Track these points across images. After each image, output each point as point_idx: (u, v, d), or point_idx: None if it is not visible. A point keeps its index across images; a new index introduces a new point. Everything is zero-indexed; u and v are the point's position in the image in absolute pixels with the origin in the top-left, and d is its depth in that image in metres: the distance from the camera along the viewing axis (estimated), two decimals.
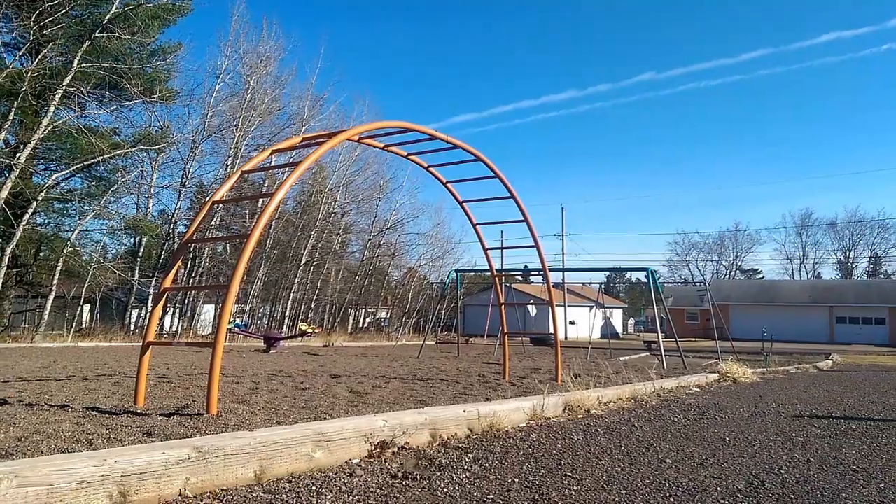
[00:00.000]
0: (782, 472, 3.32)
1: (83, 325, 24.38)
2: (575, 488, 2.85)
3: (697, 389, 7.86)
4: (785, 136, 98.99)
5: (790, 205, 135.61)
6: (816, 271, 69.76)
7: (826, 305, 44.80)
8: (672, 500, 2.71)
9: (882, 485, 3.09)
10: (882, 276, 64.13)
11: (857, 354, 23.35)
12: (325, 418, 4.04)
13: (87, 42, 18.47)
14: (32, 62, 18.06)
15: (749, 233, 73.63)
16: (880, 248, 67.73)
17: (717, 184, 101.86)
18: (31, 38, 17.79)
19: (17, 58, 18.42)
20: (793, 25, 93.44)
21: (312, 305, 33.64)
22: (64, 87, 17.93)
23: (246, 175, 6.79)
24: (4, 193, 17.08)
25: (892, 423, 5.39)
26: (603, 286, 41.07)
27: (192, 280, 25.10)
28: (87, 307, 25.92)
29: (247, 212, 26.89)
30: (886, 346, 36.38)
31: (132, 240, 25.56)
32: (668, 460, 3.51)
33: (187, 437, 3.12)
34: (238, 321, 25.11)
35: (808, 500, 2.75)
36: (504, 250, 16.27)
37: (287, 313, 30.67)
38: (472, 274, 29.10)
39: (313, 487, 2.66)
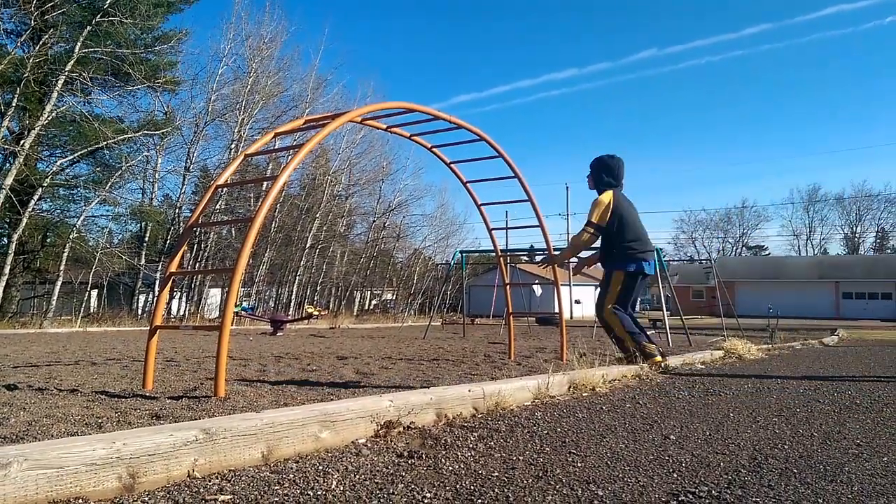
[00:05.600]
0: (786, 447, 3.33)
1: (91, 311, 24.57)
2: (579, 465, 2.87)
3: (702, 366, 7.88)
4: (790, 110, 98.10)
5: (798, 180, 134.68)
6: (823, 247, 69.64)
7: (832, 281, 44.74)
8: (675, 475, 2.73)
9: (885, 459, 3.10)
10: (889, 251, 63.89)
11: (863, 330, 23.31)
12: (331, 399, 4.07)
13: (88, 27, 18.39)
14: (34, 48, 18.01)
15: (756, 209, 73.51)
16: (887, 222, 67.51)
17: (722, 160, 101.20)
18: (32, 24, 17.72)
19: (18, 44, 18.36)
20: None
21: (318, 288, 33.79)
22: (66, 74, 17.90)
23: (249, 158, 6.79)
24: (10, 180, 17.13)
25: None
26: None
27: (198, 264, 25.21)
28: (94, 292, 26.11)
29: (251, 195, 26.92)
30: (893, 320, 36.31)
31: (138, 225, 25.67)
32: (672, 437, 3.53)
33: (195, 420, 3.15)
34: (245, 304, 25.22)
35: (811, 475, 2.77)
36: (509, 230, 16.24)
37: (293, 296, 30.83)
38: (477, 254, 29.08)
39: (320, 467, 2.69)
